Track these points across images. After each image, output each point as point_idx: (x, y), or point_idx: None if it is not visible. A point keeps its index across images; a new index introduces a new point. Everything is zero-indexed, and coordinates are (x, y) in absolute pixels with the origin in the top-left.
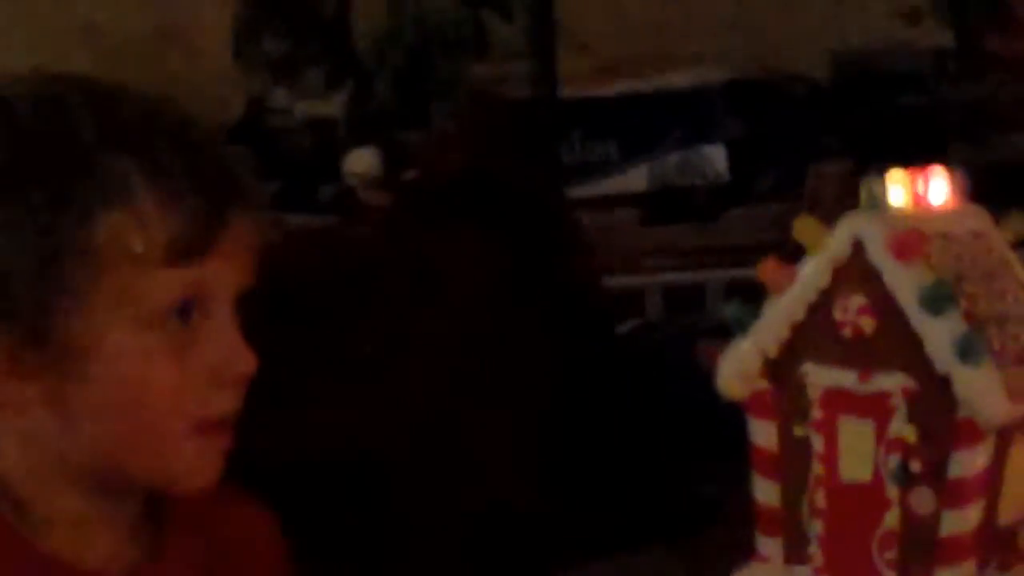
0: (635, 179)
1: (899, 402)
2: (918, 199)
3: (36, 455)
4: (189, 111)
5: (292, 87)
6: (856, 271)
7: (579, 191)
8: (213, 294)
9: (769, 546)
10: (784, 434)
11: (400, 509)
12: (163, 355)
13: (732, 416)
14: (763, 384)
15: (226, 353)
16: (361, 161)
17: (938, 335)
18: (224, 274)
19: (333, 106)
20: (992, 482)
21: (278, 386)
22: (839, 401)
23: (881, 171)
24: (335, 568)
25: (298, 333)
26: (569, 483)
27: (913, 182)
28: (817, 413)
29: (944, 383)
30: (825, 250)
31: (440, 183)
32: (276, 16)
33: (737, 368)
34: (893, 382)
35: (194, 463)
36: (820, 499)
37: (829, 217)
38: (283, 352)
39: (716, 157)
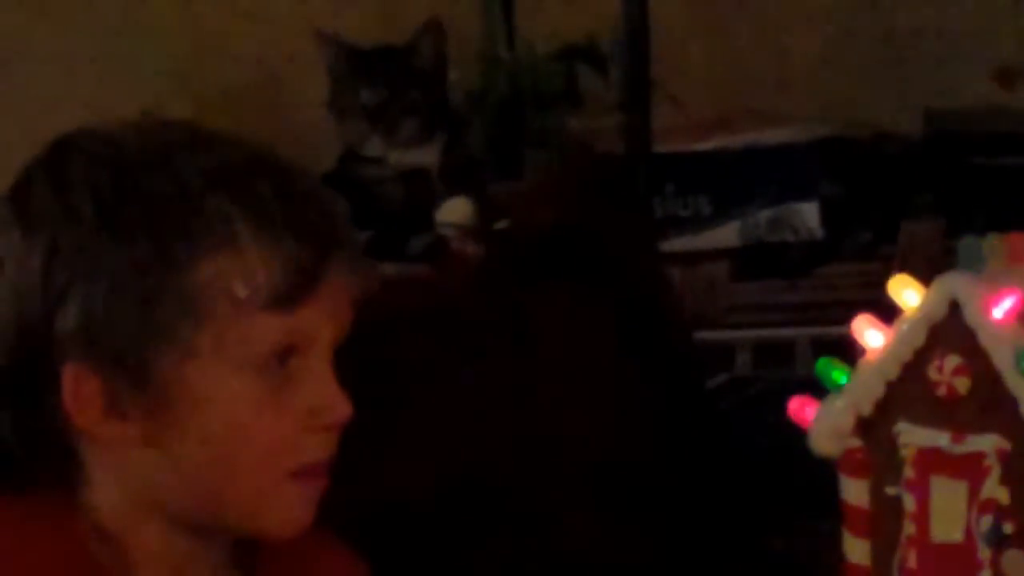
0: (727, 234)
1: (993, 463)
2: (1015, 259)
3: (131, 494)
4: (290, 159)
5: (387, 137)
6: (952, 331)
7: (671, 245)
8: (312, 341)
9: None
10: (876, 493)
11: (483, 559)
12: (261, 400)
13: (824, 474)
14: (856, 442)
15: (323, 399)
16: (454, 211)
17: None
18: (323, 321)
19: (427, 156)
20: None
21: (369, 434)
22: (932, 461)
23: (976, 232)
24: None
25: (390, 382)
26: (660, 535)
27: (1010, 244)
28: (910, 472)
29: None
30: (921, 310)
31: (533, 235)
32: (373, 67)
33: (830, 425)
34: (987, 443)
35: (288, 509)
36: (911, 559)
37: (921, 276)
38: (376, 401)
39: (808, 214)
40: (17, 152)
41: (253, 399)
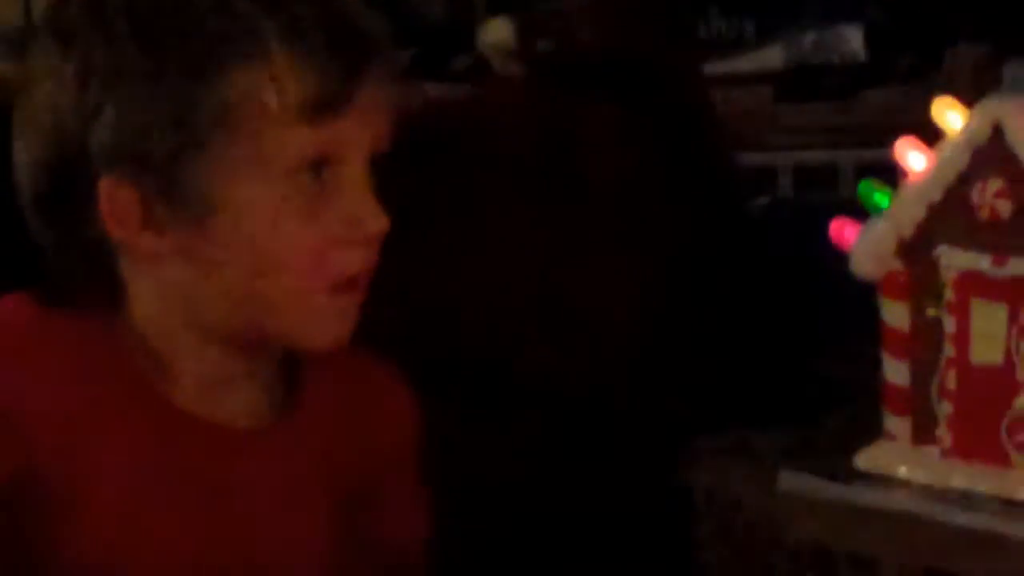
0: (770, 56)
1: None
2: None
3: (171, 307)
4: None
5: None
6: (995, 155)
7: (714, 67)
8: (346, 153)
9: (897, 425)
10: (916, 315)
11: (525, 368)
12: (294, 212)
13: (865, 295)
14: (897, 265)
15: (358, 211)
16: (497, 31)
17: None
18: (358, 133)
19: None
20: None
21: (408, 254)
22: (973, 284)
23: (1021, 55)
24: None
25: (431, 203)
26: (697, 357)
27: None
28: (950, 295)
29: None
30: (964, 133)
31: (577, 57)
32: None
33: (872, 248)
34: None
35: (325, 321)
36: (950, 381)
37: (967, 100)
38: (416, 217)
39: (852, 37)
40: None
41: (288, 209)
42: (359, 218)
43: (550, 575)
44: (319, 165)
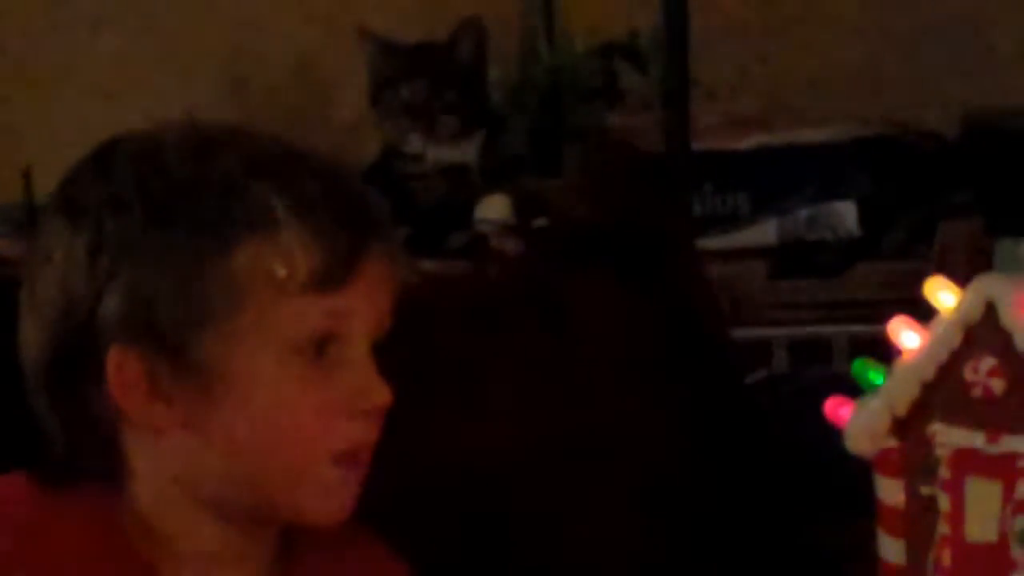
0: (764, 232)
1: None
2: None
3: (173, 482)
4: (331, 154)
5: (426, 133)
6: (988, 333)
7: (709, 243)
8: (351, 327)
9: None
10: (911, 492)
11: (515, 539)
12: (301, 384)
13: (859, 473)
14: (891, 442)
15: (363, 384)
16: (493, 207)
17: None
18: (362, 307)
19: (466, 152)
20: None
21: (407, 426)
22: (967, 461)
23: (1014, 234)
24: None
25: (429, 376)
26: (690, 532)
27: None
28: (945, 473)
29: None
30: (957, 311)
31: (572, 232)
32: (413, 64)
33: (866, 425)
34: (1023, 444)
35: (329, 494)
36: (945, 558)
37: (959, 277)
38: (418, 389)
39: (846, 213)
40: (80, 149)
41: (292, 382)
42: (363, 392)
43: None
44: (324, 341)
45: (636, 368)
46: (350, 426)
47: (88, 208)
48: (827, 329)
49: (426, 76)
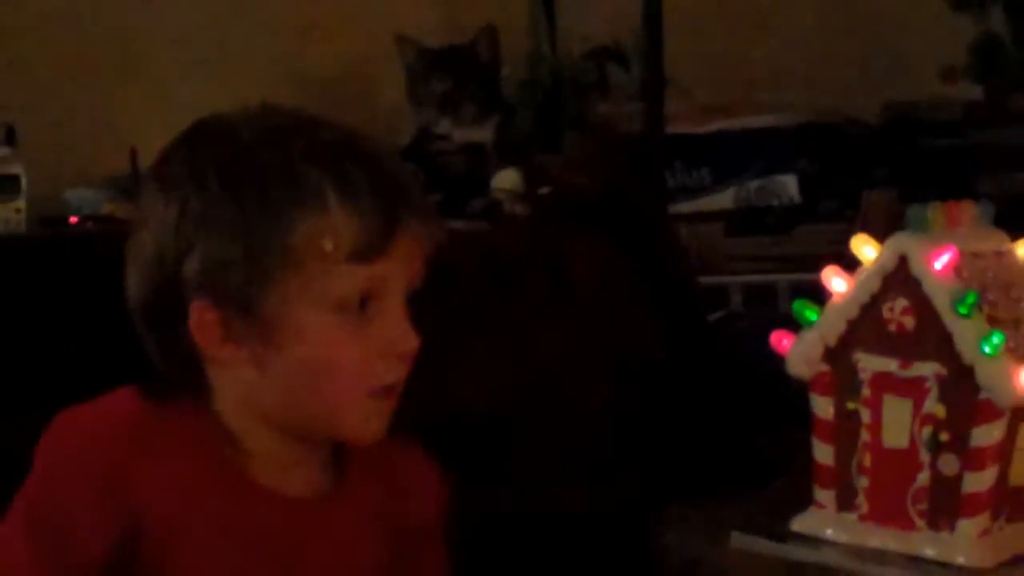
0: (723, 199)
1: (932, 385)
2: (952, 223)
3: (242, 404)
4: (374, 137)
5: (452, 119)
6: (901, 280)
7: (679, 207)
8: (388, 287)
9: (824, 496)
10: (839, 407)
11: (521, 453)
12: (343, 335)
13: (798, 391)
14: (824, 367)
15: (396, 334)
16: (506, 179)
17: (966, 333)
18: (397, 271)
19: (483, 134)
20: (1005, 451)
21: (434, 361)
22: (884, 383)
23: (923, 200)
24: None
25: (455, 312)
26: (665, 438)
27: (949, 210)
28: (866, 392)
29: (969, 371)
30: (876, 262)
31: (570, 198)
32: (441, 63)
33: (803, 353)
34: (928, 369)
35: (365, 421)
36: (866, 460)
37: (879, 236)
38: (439, 333)
39: (789, 184)
40: (151, 131)
41: (336, 334)
42: (396, 339)
43: None
44: (367, 297)
45: (620, 305)
46: (385, 367)
47: (176, 183)
48: (773, 277)
49: (452, 73)
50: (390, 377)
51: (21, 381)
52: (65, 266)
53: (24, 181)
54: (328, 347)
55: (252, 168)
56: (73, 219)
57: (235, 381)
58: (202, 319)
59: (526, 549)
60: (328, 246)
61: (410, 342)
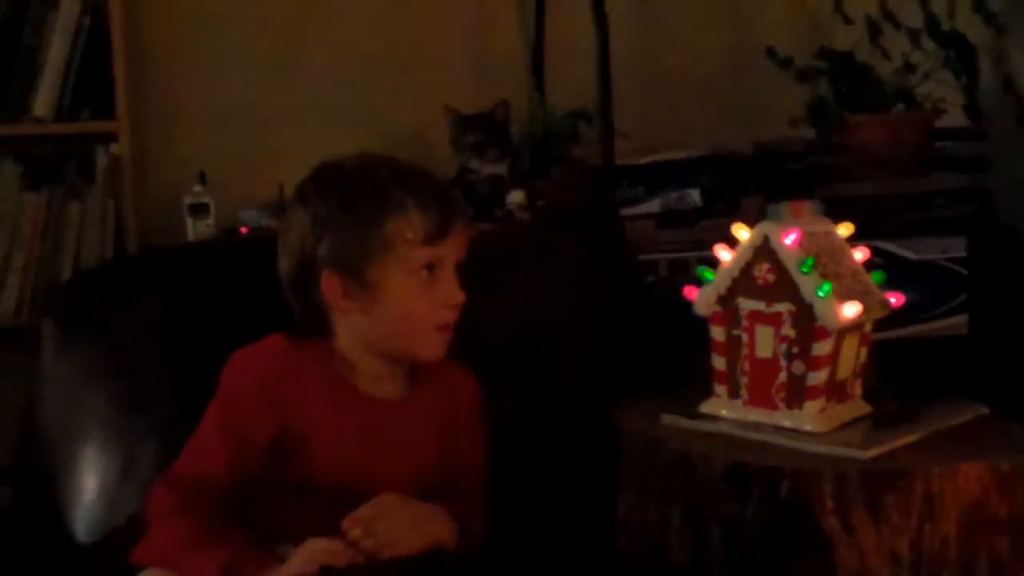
0: (653, 206)
1: (787, 318)
2: (797, 213)
3: (356, 340)
4: (433, 171)
5: (480, 159)
6: (766, 251)
7: (625, 212)
8: (444, 261)
9: (720, 390)
10: (728, 333)
11: (524, 374)
12: (419, 291)
13: (702, 324)
14: (718, 308)
15: (450, 291)
16: (516, 197)
17: (807, 284)
18: (450, 250)
19: (501, 168)
20: (834, 357)
21: (471, 311)
22: (756, 317)
23: (778, 202)
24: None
25: (482, 283)
26: (620, 358)
27: (794, 207)
28: (745, 323)
29: (810, 308)
30: (749, 241)
31: (557, 209)
32: (473, 124)
33: (704, 299)
34: (784, 307)
35: (434, 346)
36: (746, 367)
37: (751, 224)
38: (475, 294)
39: (695, 195)
40: (292, 171)
41: (414, 291)
42: (450, 294)
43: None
44: (432, 267)
45: (589, 274)
46: (444, 312)
47: (310, 199)
48: (686, 254)
49: (480, 130)
50: (447, 318)
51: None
52: (239, 260)
53: (212, 207)
54: (409, 299)
55: (357, 187)
56: (243, 229)
57: (350, 325)
58: (330, 283)
59: (530, 438)
60: (409, 235)
61: (459, 297)
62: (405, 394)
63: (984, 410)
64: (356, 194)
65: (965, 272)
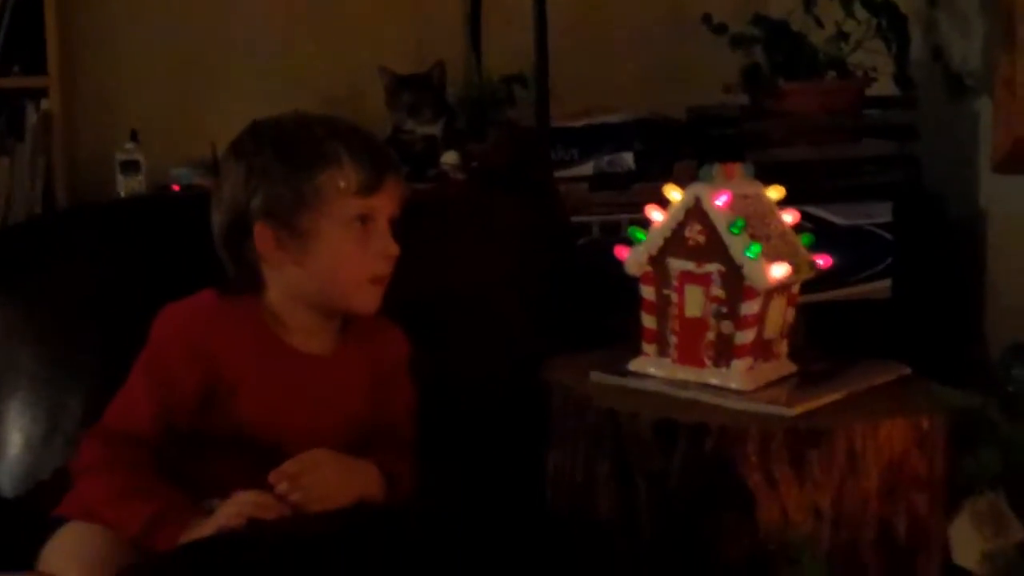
0: (586, 169)
1: (716, 278)
2: (728, 176)
3: (287, 292)
4: (369, 128)
5: (415, 120)
6: (697, 212)
7: (560, 174)
8: (378, 213)
9: (649, 349)
10: (658, 293)
11: (456, 329)
12: (353, 241)
13: (633, 284)
14: (649, 268)
15: (384, 243)
16: (450, 158)
17: (737, 245)
18: (383, 204)
19: (436, 129)
20: (761, 317)
21: (404, 266)
22: (686, 277)
23: (711, 163)
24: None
25: (414, 238)
26: (550, 316)
27: (726, 169)
28: (675, 283)
29: (739, 268)
30: (681, 202)
31: (491, 170)
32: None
33: (635, 259)
34: (714, 267)
35: (368, 298)
36: (676, 326)
37: (683, 185)
38: (408, 250)
39: (628, 158)
40: (225, 130)
41: (348, 242)
42: (384, 247)
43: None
44: (365, 218)
45: (523, 235)
46: (378, 263)
47: (244, 152)
48: (618, 216)
49: (415, 90)
50: (381, 270)
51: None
52: (169, 217)
53: (144, 164)
54: (343, 250)
55: (292, 140)
56: (175, 187)
57: (282, 278)
58: (263, 235)
59: (459, 394)
60: (342, 184)
61: (393, 249)
62: (334, 350)
63: (906, 370)
64: (291, 146)
65: (890, 238)
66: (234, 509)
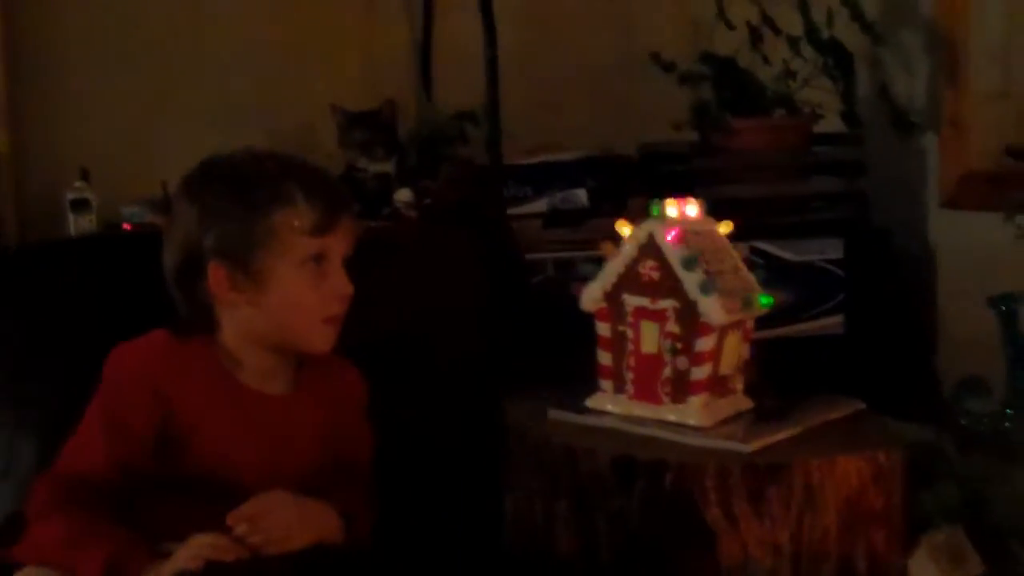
0: (540, 205)
1: (671, 314)
2: (681, 213)
3: (242, 332)
4: (322, 166)
5: (368, 157)
6: (650, 248)
7: (513, 211)
8: (332, 253)
9: (606, 385)
10: (614, 329)
11: (415, 368)
12: (307, 281)
13: (589, 320)
14: (604, 304)
15: (338, 282)
16: (403, 195)
17: (691, 281)
18: (338, 244)
19: (388, 167)
20: (717, 353)
21: (358, 305)
22: (641, 313)
23: (663, 199)
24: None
25: (369, 276)
26: (506, 356)
27: (679, 205)
28: (630, 319)
29: (694, 304)
30: (634, 237)
31: (443, 207)
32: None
33: (590, 296)
34: (668, 304)
35: (322, 338)
36: (632, 362)
37: (636, 221)
38: (363, 288)
39: (581, 195)
40: (176, 169)
41: (302, 282)
42: (339, 286)
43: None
44: (319, 258)
45: (476, 273)
46: (332, 303)
47: (196, 192)
48: (573, 254)
49: (367, 128)
50: (335, 309)
51: (99, 324)
52: (120, 256)
53: (94, 203)
54: (297, 290)
55: (245, 178)
56: (126, 226)
57: (237, 317)
58: (216, 274)
59: (415, 433)
60: (296, 224)
61: (347, 288)
62: (290, 390)
63: (860, 405)
64: (244, 185)
65: (842, 273)
66: (192, 551)
